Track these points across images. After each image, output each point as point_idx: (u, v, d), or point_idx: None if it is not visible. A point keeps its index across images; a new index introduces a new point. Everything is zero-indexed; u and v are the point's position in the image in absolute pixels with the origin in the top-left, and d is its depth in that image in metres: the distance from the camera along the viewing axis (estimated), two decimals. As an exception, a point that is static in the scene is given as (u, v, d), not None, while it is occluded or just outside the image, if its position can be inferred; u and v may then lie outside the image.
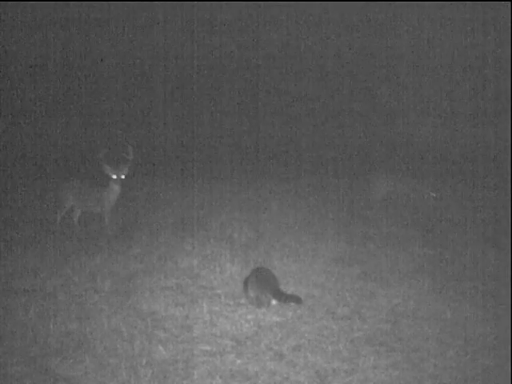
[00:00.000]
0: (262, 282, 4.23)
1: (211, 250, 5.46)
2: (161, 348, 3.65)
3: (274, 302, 4.26)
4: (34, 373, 3.37)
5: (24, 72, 11.52)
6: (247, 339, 3.81)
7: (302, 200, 7.48)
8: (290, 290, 4.55)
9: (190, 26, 11.90)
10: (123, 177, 5.71)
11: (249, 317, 4.13)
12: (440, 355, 3.62)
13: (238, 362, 3.54)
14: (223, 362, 3.52)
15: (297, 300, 4.24)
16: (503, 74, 9.88)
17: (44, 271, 4.88)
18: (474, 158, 9.77)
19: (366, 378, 3.39)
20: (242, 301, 4.32)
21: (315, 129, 11.59)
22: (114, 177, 5.65)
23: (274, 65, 12.40)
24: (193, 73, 12.16)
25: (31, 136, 10.62)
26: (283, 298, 4.21)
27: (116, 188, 5.72)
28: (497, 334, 3.88)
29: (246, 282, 4.35)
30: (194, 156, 10.19)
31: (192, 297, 4.42)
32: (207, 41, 12.17)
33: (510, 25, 9.33)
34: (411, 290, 4.62)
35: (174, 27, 12.03)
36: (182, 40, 12.03)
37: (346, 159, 10.01)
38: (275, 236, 5.96)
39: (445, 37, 10.88)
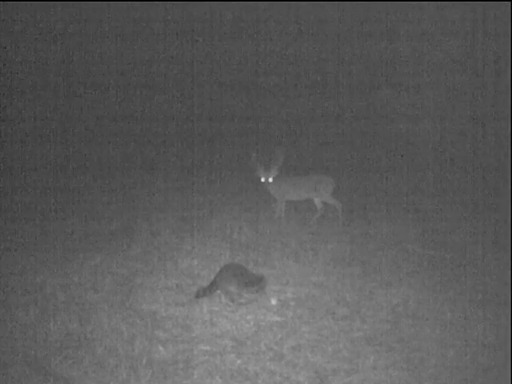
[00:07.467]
0: (230, 277, 4.26)
1: (211, 250, 5.46)
2: (161, 348, 3.65)
3: (273, 301, 4.28)
4: (34, 373, 3.37)
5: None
6: (247, 339, 3.81)
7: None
8: (289, 290, 4.56)
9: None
10: (270, 180, 6.02)
11: (249, 317, 4.13)
12: (440, 355, 3.62)
13: (238, 361, 3.54)
14: (223, 362, 3.52)
15: (261, 280, 4.27)
16: (503, 74, 9.88)
17: (44, 271, 4.88)
18: (474, 158, 9.76)
19: (365, 378, 3.39)
20: (242, 301, 4.32)
21: (315, 129, 11.59)
22: (263, 180, 6.05)
23: (274, 67, 12.40)
24: (193, 71, 12.16)
25: (31, 136, 10.60)
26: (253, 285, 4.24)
27: (268, 187, 6.09)
28: (497, 333, 3.89)
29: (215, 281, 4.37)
30: (194, 155, 10.18)
31: (192, 297, 4.41)
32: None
33: (510, 25, 9.32)
34: (411, 289, 4.62)
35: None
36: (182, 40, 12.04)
37: (346, 159, 10.00)
38: (275, 236, 5.96)
39: (444, 36, 10.89)
